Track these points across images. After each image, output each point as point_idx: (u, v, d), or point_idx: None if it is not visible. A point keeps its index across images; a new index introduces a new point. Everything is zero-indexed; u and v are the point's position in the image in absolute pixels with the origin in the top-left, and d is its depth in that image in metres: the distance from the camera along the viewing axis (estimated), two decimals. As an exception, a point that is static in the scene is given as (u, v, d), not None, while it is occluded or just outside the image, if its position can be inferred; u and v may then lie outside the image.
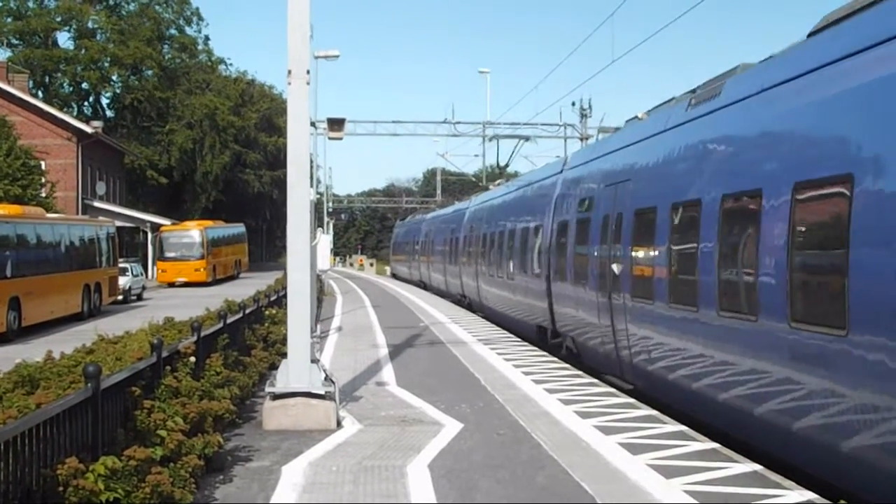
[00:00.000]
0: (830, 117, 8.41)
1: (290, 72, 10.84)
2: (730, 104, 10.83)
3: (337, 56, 36.43)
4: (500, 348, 18.49)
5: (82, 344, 11.95)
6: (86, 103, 69.69)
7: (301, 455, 9.18)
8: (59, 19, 65.59)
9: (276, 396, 10.76)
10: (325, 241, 22.91)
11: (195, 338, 11.05)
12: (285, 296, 13.08)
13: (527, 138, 39.62)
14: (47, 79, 65.38)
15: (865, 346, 7.33)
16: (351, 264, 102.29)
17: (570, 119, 43.60)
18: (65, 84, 66.84)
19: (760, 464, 8.73)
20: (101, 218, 40.05)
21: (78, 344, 11.91)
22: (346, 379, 13.79)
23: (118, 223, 40.51)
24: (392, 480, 8.20)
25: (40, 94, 61.34)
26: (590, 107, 41.99)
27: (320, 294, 32.87)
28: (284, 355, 11.22)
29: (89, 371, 6.93)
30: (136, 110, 67.16)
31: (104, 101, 70.23)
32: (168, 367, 9.30)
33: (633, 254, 13.34)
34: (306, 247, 11.04)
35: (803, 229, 8.63)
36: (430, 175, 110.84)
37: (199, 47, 73.40)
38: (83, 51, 64.46)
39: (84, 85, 66.79)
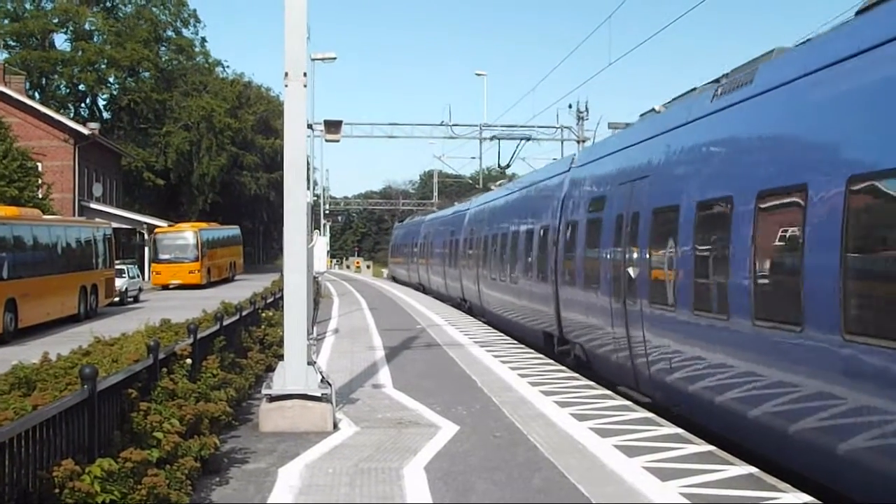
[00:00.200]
0: (893, 100, 7.32)
1: (286, 74, 10.84)
2: (766, 91, 9.78)
3: (334, 58, 36.40)
4: (497, 351, 18.46)
5: (79, 346, 11.91)
6: (82, 105, 69.77)
7: (297, 457, 9.18)
8: (55, 21, 65.61)
9: (272, 398, 10.76)
10: (322, 243, 22.84)
11: (192, 340, 11.04)
12: (282, 298, 13.08)
13: (528, 138, 39.44)
14: (44, 80, 65.37)
15: None
16: (347, 266, 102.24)
17: (567, 121, 43.70)
18: (62, 86, 66.86)
19: (756, 466, 8.75)
20: (97, 220, 39.99)
21: (74, 346, 11.87)
22: (343, 381, 13.79)
23: (115, 225, 40.48)
24: (388, 482, 8.20)
25: (37, 95, 61.33)
26: (586, 109, 41.92)
27: (317, 296, 32.86)
28: (281, 357, 11.22)
29: (86, 373, 6.93)
30: (132, 112, 67.14)
31: (101, 103, 70.45)
32: (165, 369, 9.28)
33: (652, 256, 12.36)
34: (303, 249, 11.06)
35: (860, 229, 7.56)
36: (427, 177, 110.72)
37: (196, 49, 73.42)
38: (80, 52, 64.44)
39: (81, 86, 66.82)
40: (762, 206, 9.16)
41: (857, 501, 7.68)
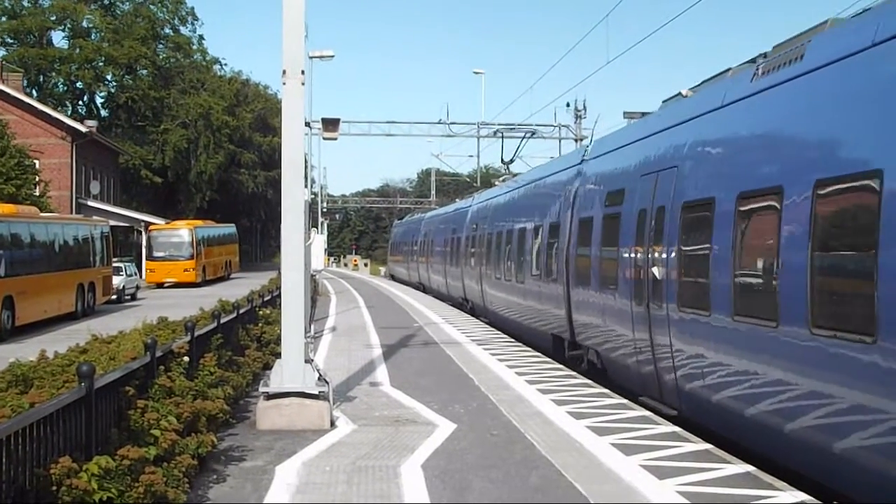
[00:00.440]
0: None
1: (284, 71, 10.85)
2: (823, 66, 8.58)
3: (332, 56, 36.51)
4: (494, 349, 18.47)
5: (76, 343, 11.91)
6: (80, 102, 69.58)
7: (295, 455, 9.18)
8: (53, 18, 65.43)
9: (269, 396, 10.76)
10: (320, 240, 22.85)
11: (189, 337, 11.05)
12: (279, 296, 13.09)
13: (532, 133, 39.25)
14: (41, 78, 65.26)
15: None
16: (345, 265, 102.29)
17: (565, 120, 43.75)
18: (59, 83, 66.71)
19: (753, 465, 8.75)
20: (95, 217, 39.94)
21: (72, 343, 11.87)
22: (340, 379, 13.80)
23: (112, 223, 40.45)
24: (386, 480, 8.21)
25: (35, 93, 61.16)
26: (584, 108, 41.95)
27: (314, 294, 32.87)
28: (278, 355, 11.22)
29: (83, 370, 6.93)
30: (130, 110, 67.02)
31: (98, 101, 70.18)
32: (162, 367, 9.30)
33: (681, 255, 11.17)
34: (300, 246, 11.06)
35: None
36: (425, 175, 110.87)
37: (194, 47, 73.24)
38: (78, 50, 64.29)
39: (78, 84, 66.65)
40: (824, 196, 7.98)
41: (856, 501, 7.67)
